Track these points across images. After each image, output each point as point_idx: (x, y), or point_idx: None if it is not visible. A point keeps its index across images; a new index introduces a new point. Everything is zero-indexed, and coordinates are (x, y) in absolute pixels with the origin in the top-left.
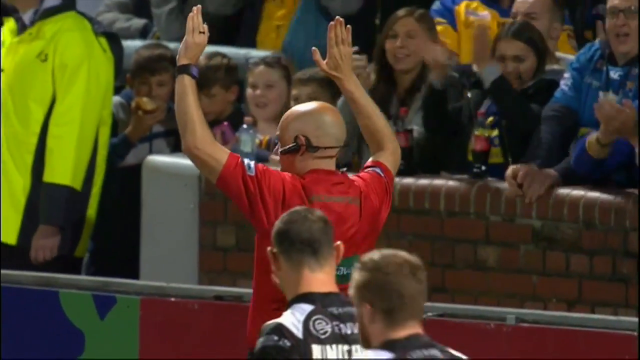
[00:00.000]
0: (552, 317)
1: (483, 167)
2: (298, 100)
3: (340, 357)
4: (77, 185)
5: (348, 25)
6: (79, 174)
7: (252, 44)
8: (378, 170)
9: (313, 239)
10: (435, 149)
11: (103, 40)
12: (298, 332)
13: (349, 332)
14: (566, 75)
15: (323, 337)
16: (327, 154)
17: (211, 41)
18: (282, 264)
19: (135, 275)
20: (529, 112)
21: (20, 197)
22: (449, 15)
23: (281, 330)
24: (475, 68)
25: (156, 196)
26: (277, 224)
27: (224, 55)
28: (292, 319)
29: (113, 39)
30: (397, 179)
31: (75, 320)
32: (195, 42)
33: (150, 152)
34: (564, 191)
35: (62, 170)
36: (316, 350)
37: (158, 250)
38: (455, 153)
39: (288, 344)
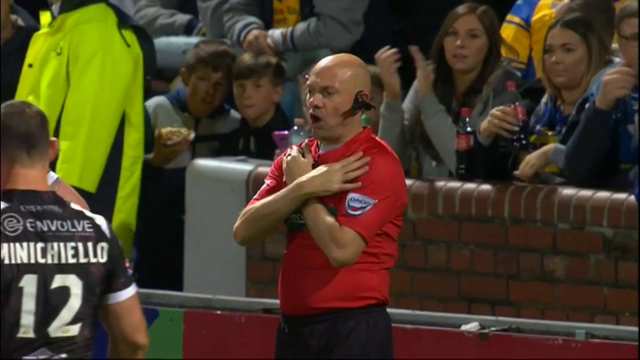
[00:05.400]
0: (624, 332)
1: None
2: None
3: (33, 254)
4: (89, 186)
5: None
6: (90, 176)
7: None
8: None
9: (30, 133)
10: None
11: (128, 34)
12: None
13: (45, 229)
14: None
15: (12, 234)
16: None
17: None
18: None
19: (179, 287)
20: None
21: None
22: (529, 9)
23: None
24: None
25: (201, 202)
26: None
27: (275, 55)
28: None
29: (142, 34)
30: (457, 184)
31: None
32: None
33: (193, 156)
34: None
35: (69, 171)
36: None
37: (203, 260)
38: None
39: None
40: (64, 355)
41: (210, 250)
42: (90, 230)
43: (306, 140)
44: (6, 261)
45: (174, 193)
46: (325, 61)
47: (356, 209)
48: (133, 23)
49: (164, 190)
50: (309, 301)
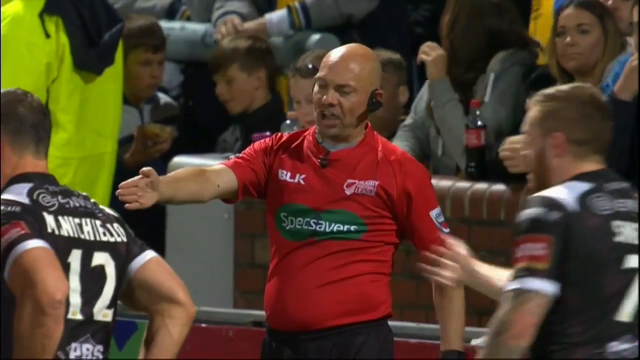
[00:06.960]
0: None
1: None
2: None
3: (74, 228)
4: None
5: None
6: None
7: None
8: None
9: (39, 125)
10: None
11: (52, 23)
12: (26, 200)
13: (77, 204)
14: None
15: (52, 208)
16: None
17: None
18: (3, 144)
19: None
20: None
21: None
22: None
23: (8, 203)
24: None
25: (184, 205)
26: None
27: (251, 38)
28: (13, 195)
29: (71, 23)
30: (467, 184)
31: None
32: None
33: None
34: None
35: None
36: (48, 219)
37: (186, 268)
38: None
39: (17, 209)
40: (101, 349)
41: (194, 257)
42: (101, 214)
43: None
44: (56, 232)
45: None
46: (338, 54)
47: (445, 224)
48: (60, 12)
49: None
50: (317, 316)
